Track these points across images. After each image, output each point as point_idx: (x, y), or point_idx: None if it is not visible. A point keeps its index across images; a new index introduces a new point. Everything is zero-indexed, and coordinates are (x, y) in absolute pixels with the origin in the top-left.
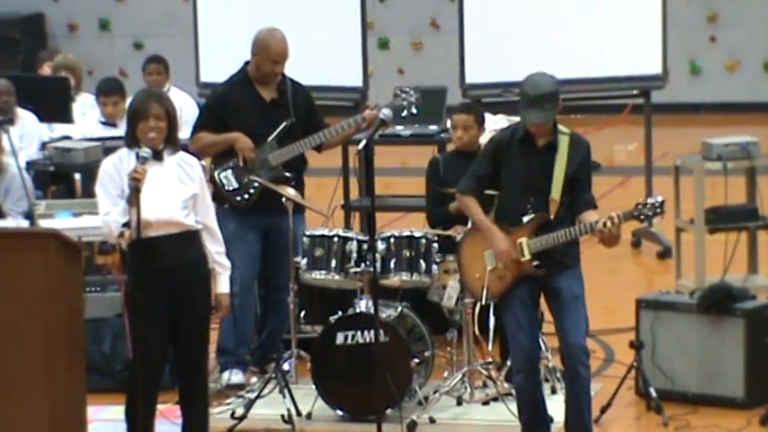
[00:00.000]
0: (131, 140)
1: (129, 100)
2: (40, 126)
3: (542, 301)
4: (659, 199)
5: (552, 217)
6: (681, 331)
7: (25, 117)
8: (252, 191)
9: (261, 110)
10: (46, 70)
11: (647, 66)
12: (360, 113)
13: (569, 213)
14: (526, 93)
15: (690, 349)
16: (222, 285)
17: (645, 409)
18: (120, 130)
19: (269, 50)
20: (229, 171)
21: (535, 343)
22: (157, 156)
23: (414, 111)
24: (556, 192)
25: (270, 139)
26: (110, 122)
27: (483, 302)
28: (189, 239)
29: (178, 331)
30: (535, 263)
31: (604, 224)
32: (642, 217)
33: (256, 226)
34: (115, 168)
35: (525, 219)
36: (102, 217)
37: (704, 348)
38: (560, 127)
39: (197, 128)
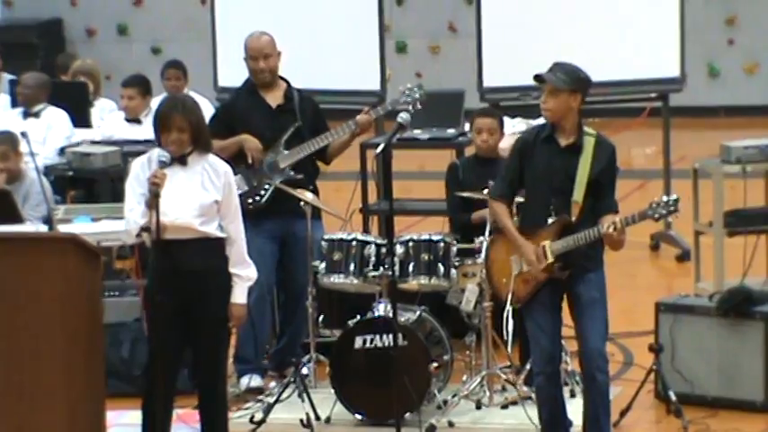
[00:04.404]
0: (159, 144)
1: (150, 99)
2: (69, 126)
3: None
4: (673, 197)
5: (574, 219)
6: (700, 335)
7: (55, 115)
8: (262, 192)
9: (267, 115)
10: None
11: (666, 69)
12: (353, 119)
13: (592, 216)
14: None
15: (709, 353)
16: (236, 295)
17: (664, 413)
18: (145, 128)
19: (247, 49)
20: (238, 175)
21: (556, 345)
22: (182, 159)
23: (419, 106)
24: (578, 193)
25: (278, 141)
26: (133, 119)
27: (508, 307)
28: (207, 246)
29: (195, 336)
30: (558, 265)
31: (608, 228)
32: (657, 216)
33: (271, 234)
34: (143, 168)
35: (550, 221)
36: (126, 213)
37: (723, 352)
38: (586, 128)
39: None
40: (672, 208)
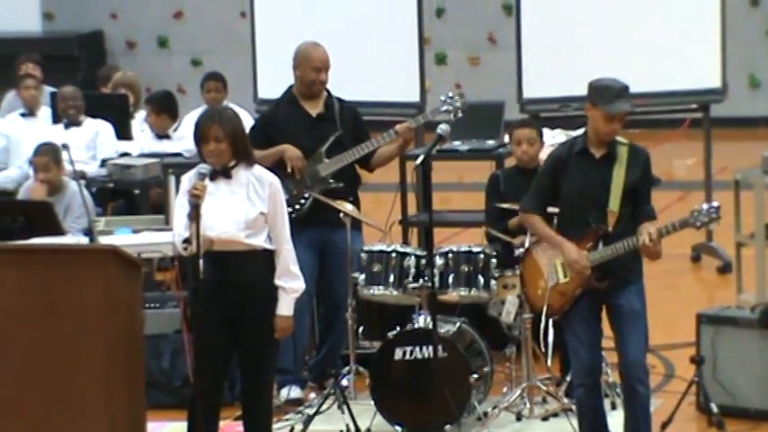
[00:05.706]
0: (201, 158)
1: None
2: (112, 139)
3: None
4: (715, 204)
5: (610, 229)
6: (742, 346)
7: (100, 128)
8: (302, 201)
9: (307, 125)
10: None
11: (706, 79)
12: (393, 128)
13: (631, 225)
14: (608, 86)
15: (751, 364)
16: (281, 307)
17: (706, 425)
18: (174, 143)
19: (310, 59)
20: None
21: (596, 357)
22: (226, 173)
23: (460, 115)
24: (614, 203)
25: (319, 151)
26: (162, 135)
27: (544, 319)
28: (256, 258)
29: (242, 348)
30: (596, 275)
31: (644, 240)
32: (698, 224)
33: (311, 244)
34: (189, 182)
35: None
36: (174, 226)
37: (765, 364)
38: (618, 138)
39: None
40: (714, 215)
